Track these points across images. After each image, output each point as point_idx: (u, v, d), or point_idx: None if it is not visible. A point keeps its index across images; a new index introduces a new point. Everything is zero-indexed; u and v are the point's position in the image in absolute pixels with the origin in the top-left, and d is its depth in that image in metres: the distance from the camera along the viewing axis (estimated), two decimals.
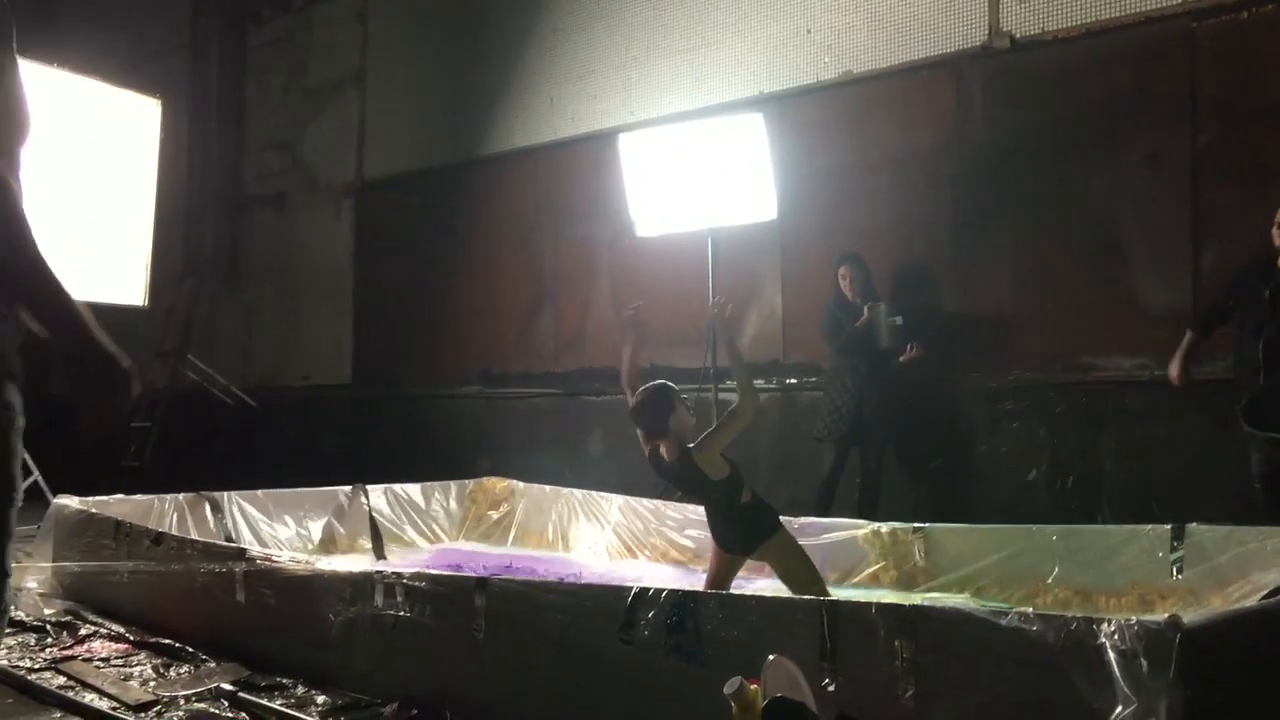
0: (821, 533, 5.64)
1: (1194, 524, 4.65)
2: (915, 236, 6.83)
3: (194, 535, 5.51)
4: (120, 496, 6.00)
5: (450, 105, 9.56)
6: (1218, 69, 5.82)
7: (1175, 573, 4.58)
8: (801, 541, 5.55)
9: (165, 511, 6.01)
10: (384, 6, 10.24)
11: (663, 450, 4.34)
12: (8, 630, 4.57)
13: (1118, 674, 2.27)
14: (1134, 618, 2.34)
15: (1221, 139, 5.79)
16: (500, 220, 9.13)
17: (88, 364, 1.82)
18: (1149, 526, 4.74)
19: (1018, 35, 6.45)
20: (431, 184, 9.63)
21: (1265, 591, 3.72)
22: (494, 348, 9.10)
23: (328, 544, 6.59)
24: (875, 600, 2.93)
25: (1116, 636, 2.30)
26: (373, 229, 10.20)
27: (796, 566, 4.30)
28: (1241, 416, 4.98)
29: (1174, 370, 5.31)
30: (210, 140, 11.47)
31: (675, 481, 4.57)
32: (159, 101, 8.41)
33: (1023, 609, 2.60)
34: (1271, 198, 5.07)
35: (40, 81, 7.12)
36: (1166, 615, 2.32)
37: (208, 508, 6.18)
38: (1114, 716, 2.25)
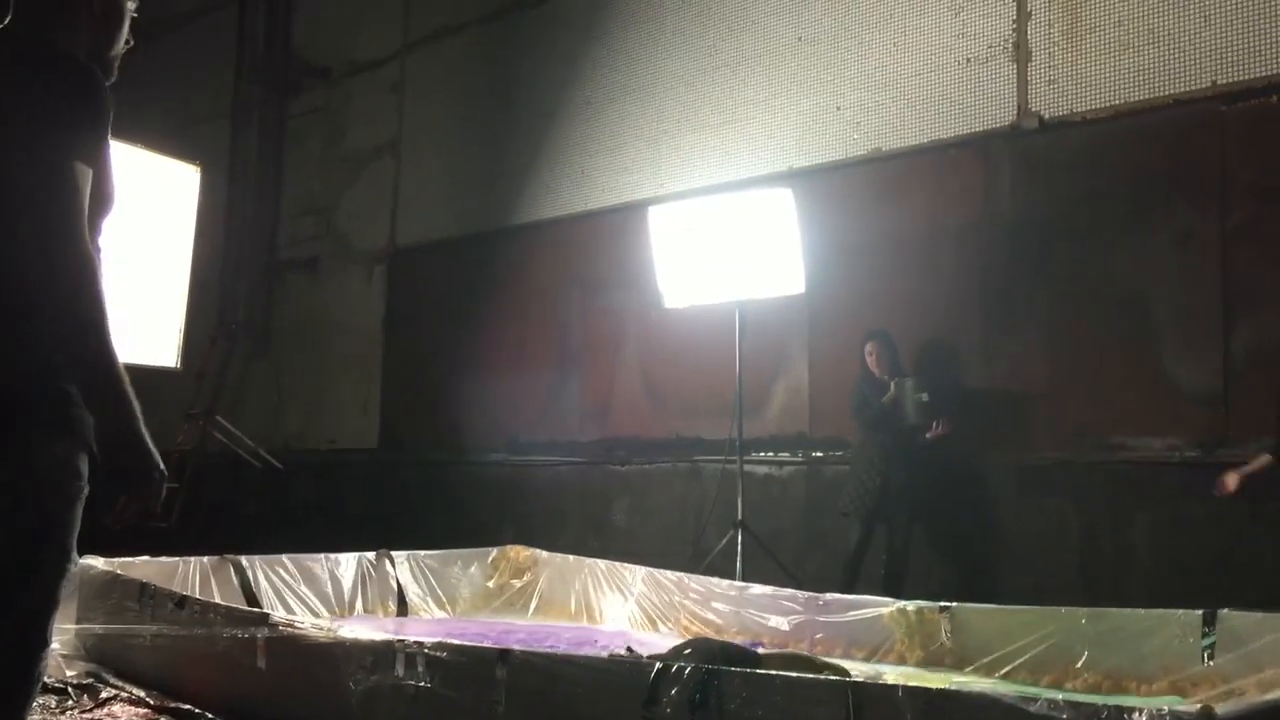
0: (846, 610, 5.57)
1: (1226, 610, 4.57)
2: (943, 313, 6.84)
3: (217, 598, 5.50)
4: (146, 558, 6.00)
5: (483, 174, 9.70)
6: (1247, 151, 5.84)
7: (1206, 659, 4.49)
8: (825, 619, 5.55)
9: (190, 574, 6.02)
10: (420, 77, 10.43)
11: None
12: None
13: None
14: (1166, 706, 2.31)
15: (1252, 220, 5.79)
16: (529, 289, 9.20)
17: (127, 459, 1.85)
18: (1180, 611, 4.65)
19: (1046, 116, 6.51)
20: (463, 251, 9.73)
21: None
22: (520, 415, 9.12)
23: (351, 609, 6.56)
24: (901, 682, 2.89)
25: None
26: (403, 295, 10.30)
27: None
28: None
29: (1231, 482, 5.19)
30: (247, 205, 11.66)
31: None
32: (198, 168, 8.58)
33: (1052, 696, 2.56)
34: None
35: None
36: (1199, 704, 2.29)
37: (231, 570, 6.18)
38: None
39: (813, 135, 7.56)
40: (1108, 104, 6.29)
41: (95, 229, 1.98)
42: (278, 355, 11.40)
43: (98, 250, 1.97)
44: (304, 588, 6.42)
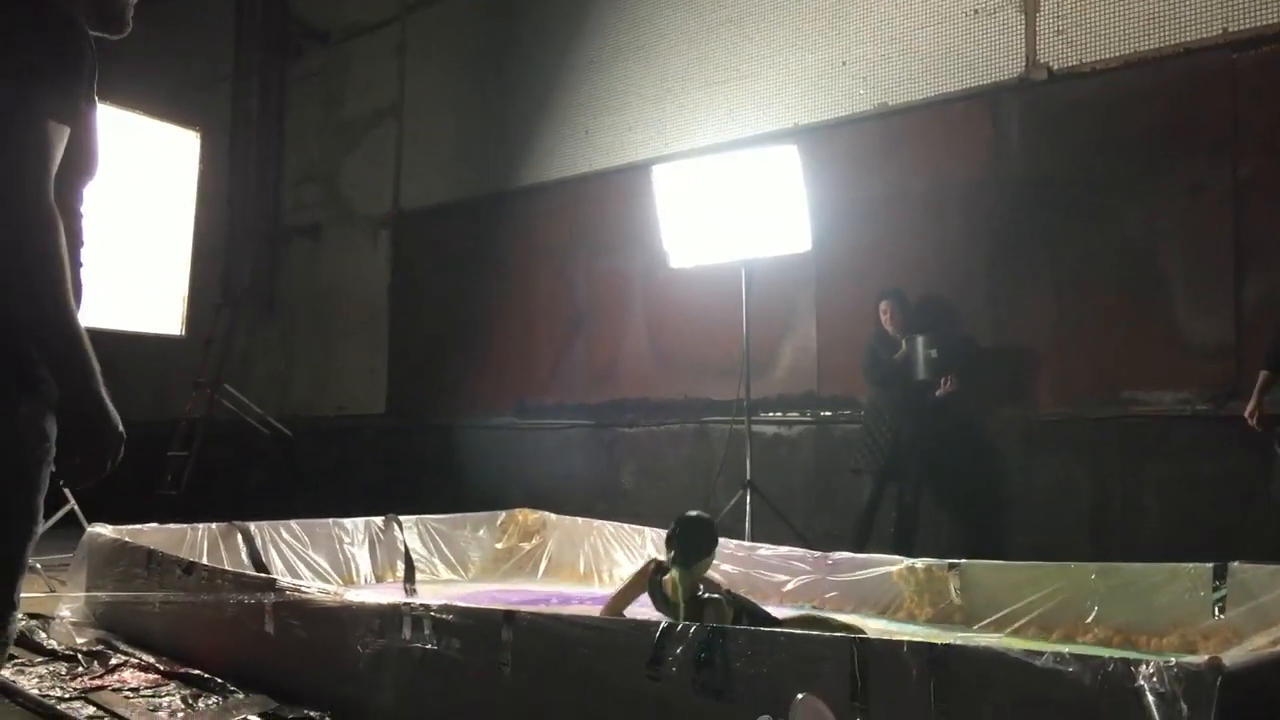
0: (856, 569, 5.57)
1: (1237, 563, 4.54)
2: (951, 268, 6.78)
3: (225, 565, 5.51)
4: (154, 526, 6.02)
5: (486, 137, 9.63)
6: (1259, 100, 5.75)
7: (1217, 612, 4.47)
8: (836, 578, 5.55)
9: (197, 541, 6.03)
10: (421, 39, 10.34)
11: (669, 578, 4.01)
12: (39, 659, 4.59)
13: (1156, 718, 2.20)
14: (1173, 659, 2.28)
15: (1264, 170, 5.71)
16: (535, 251, 9.16)
17: (85, 418, 1.81)
18: (1190, 565, 4.64)
19: (1055, 67, 6.41)
20: (467, 215, 9.68)
21: None
22: (527, 379, 9.10)
23: (359, 575, 6.58)
24: (907, 638, 2.87)
25: (1155, 679, 2.23)
26: (408, 260, 10.26)
27: None
28: None
29: (1250, 408, 5.21)
30: (249, 172, 11.61)
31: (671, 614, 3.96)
32: (198, 134, 8.51)
33: (1058, 649, 2.54)
34: None
35: None
36: (1207, 657, 2.26)
37: (239, 537, 6.19)
38: None
39: (818, 91, 7.48)
40: (1117, 54, 6.20)
41: (75, 192, 1.93)
42: (284, 322, 11.38)
43: (78, 215, 1.93)
44: (312, 553, 6.43)
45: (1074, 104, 6.37)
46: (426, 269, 10.05)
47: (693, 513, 4.14)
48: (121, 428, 1.83)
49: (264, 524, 6.39)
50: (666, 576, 4.02)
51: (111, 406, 1.81)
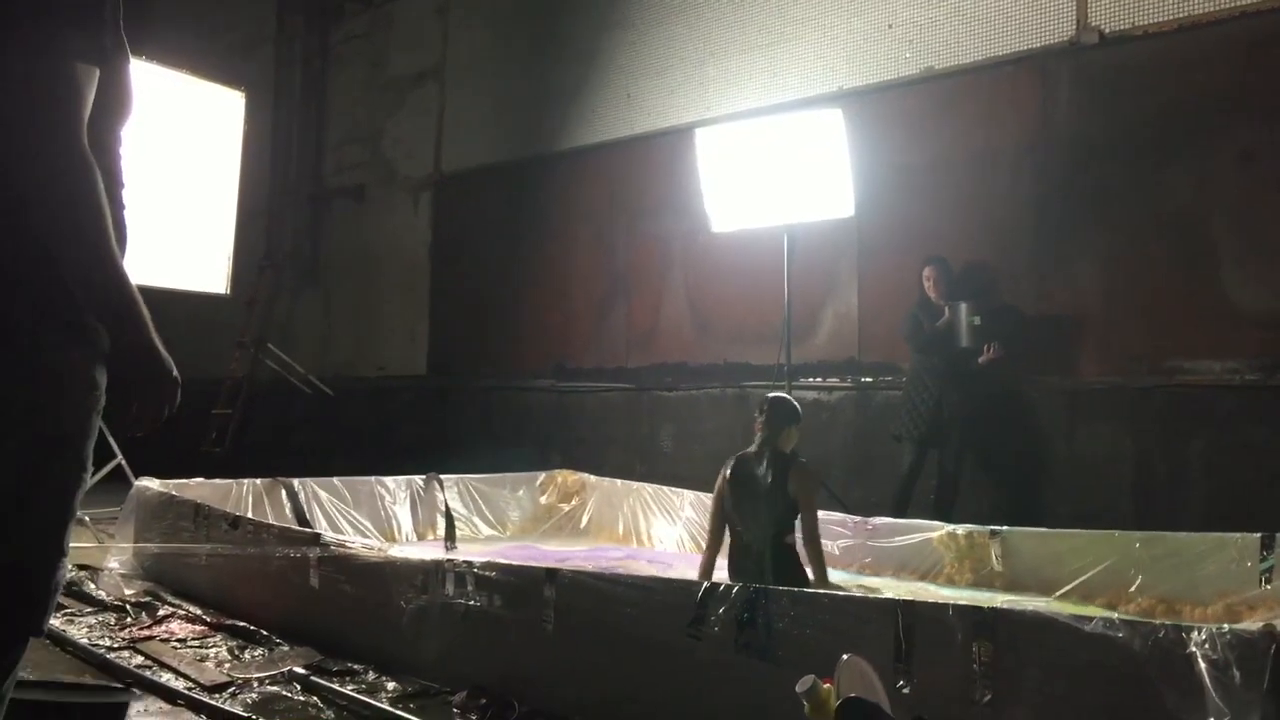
0: (895, 534, 5.56)
1: None
2: (996, 235, 6.70)
3: (270, 520, 5.58)
4: (200, 480, 6.10)
5: (528, 99, 9.59)
6: None
7: (1264, 582, 4.43)
8: (875, 543, 5.55)
9: (243, 495, 6.11)
10: (464, 1, 10.30)
11: (752, 450, 4.58)
12: (88, 610, 4.68)
13: (1209, 685, 2.19)
14: (1226, 626, 2.26)
15: None
16: (576, 215, 9.14)
17: (141, 365, 1.80)
18: (1237, 535, 4.59)
19: (1107, 30, 6.30)
20: (508, 177, 9.67)
21: None
22: (567, 342, 9.11)
23: (400, 532, 6.64)
24: (952, 601, 2.86)
25: (1208, 646, 2.22)
26: (449, 222, 10.27)
27: None
28: None
29: None
30: (292, 133, 11.66)
31: (762, 483, 4.46)
32: (243, 94, 8.54)
33: (1108, 614, 2.52)
34: None
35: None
36: (1262, 625, 2.24)
37: (284, 493, 6.26)
38: None
39: (863, 54, 7.38)
40: (1172, 16, 6.07)
41: (112, 134, 1.90)
42: (326, 283, 11.44)
43: (116, 156, 1.90)
44: (354, 510, 6.50)
45: (1125, 68, 6.25)
46: (467, 231, 10.07)
47: (778, 393, 4.87)
48: (176, 373, 1.83)
49: (307, 480, 6.46)
50: (751, 450, 4.60)
51: (165, 353, 1.81)
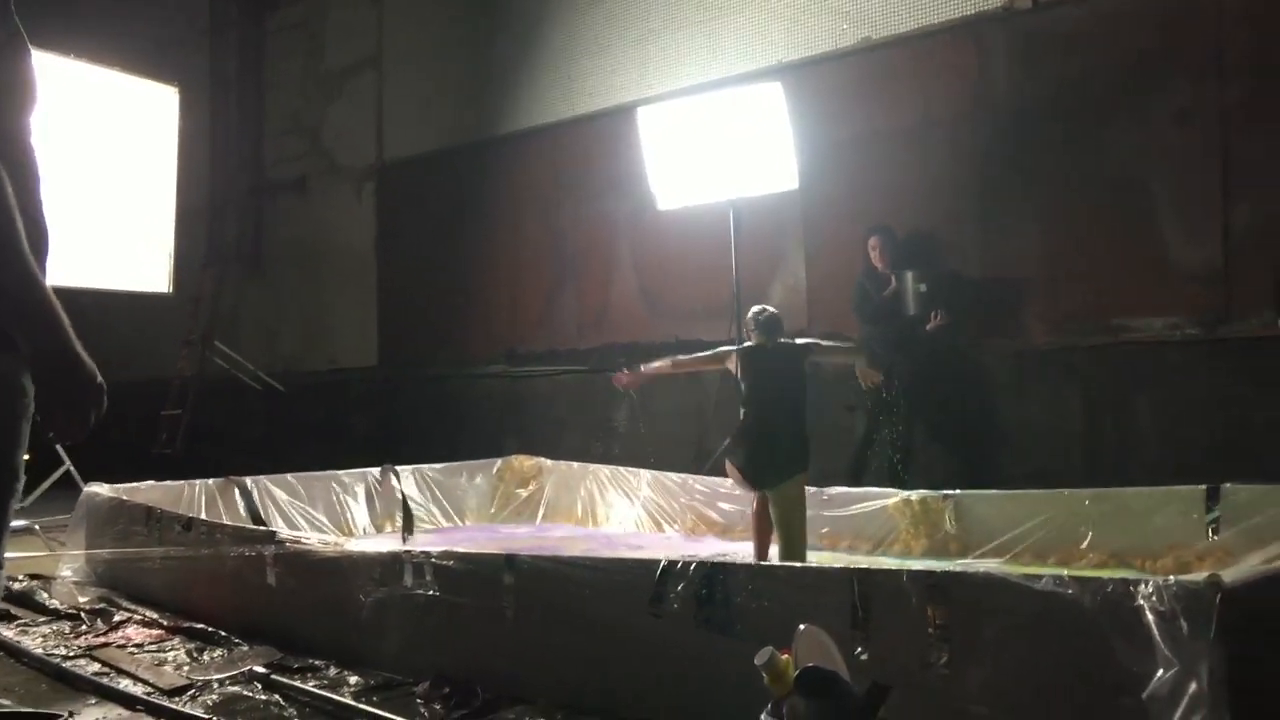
0: (852, 503, 5.61)
1: (1229, 484, 4.58)
2: (939, 202, 6.75)
3: (224, 520, 5.53)
4: (151, 483, 6.02)
5: (468, 84, 9.53)
6: (1245, 24, 5.70)
7: (1211, 534, 4.52)
8: (831, 512, 5.60)
9: (195, 497, 6.04)
10: None
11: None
12: (42, 619, 4.61)
13: (1157, 636, 2.23)
14: (1173, 578, 2.30)
15: (1251, 95, 5.67)
16: (521, 198, 9.10)
17: (63, 372, 1.73)
18: (1184, 488, 4.68)
19: None
20: (452, 164, 9.60)
21: None
22: (518, 326, 9.09)
23: (357, 526, 6.61)
24: (906, 568, 2.89)
25: (1155, 598, 2.26)
26: (394, 210, 10.19)
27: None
28: None
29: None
30: (230, 126, 11.49)
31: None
32: (177, 89, 8.41)
33: (1057, 572, 2.56)
34: None
35: (57, 72, 7.14)
36: (1206, 575, 2.28)
37: (237, 492, 6.20)
38: (1155, 679, 2.21)
39: (801, 27, 7.39)
40: None
41: (18, 125, 1.82)
42: (272, 277, 11.32)
43: (27, 148, 1.82)
44: (310, 506, 6.46)
45: (1059, 32, 6.31)
46: (413, 219, 9.99)
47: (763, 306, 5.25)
48: (100, 378, 1.76)
49: (261, 479, 6.40)
50: (752, 345, 5.07)
51: (86, 357, 1.74)
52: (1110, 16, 6.12)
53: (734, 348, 5.18)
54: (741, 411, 5.01)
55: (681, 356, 5.35)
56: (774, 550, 4.78)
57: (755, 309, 5.21)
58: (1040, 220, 6.37)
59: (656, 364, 5.32)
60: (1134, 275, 6.00)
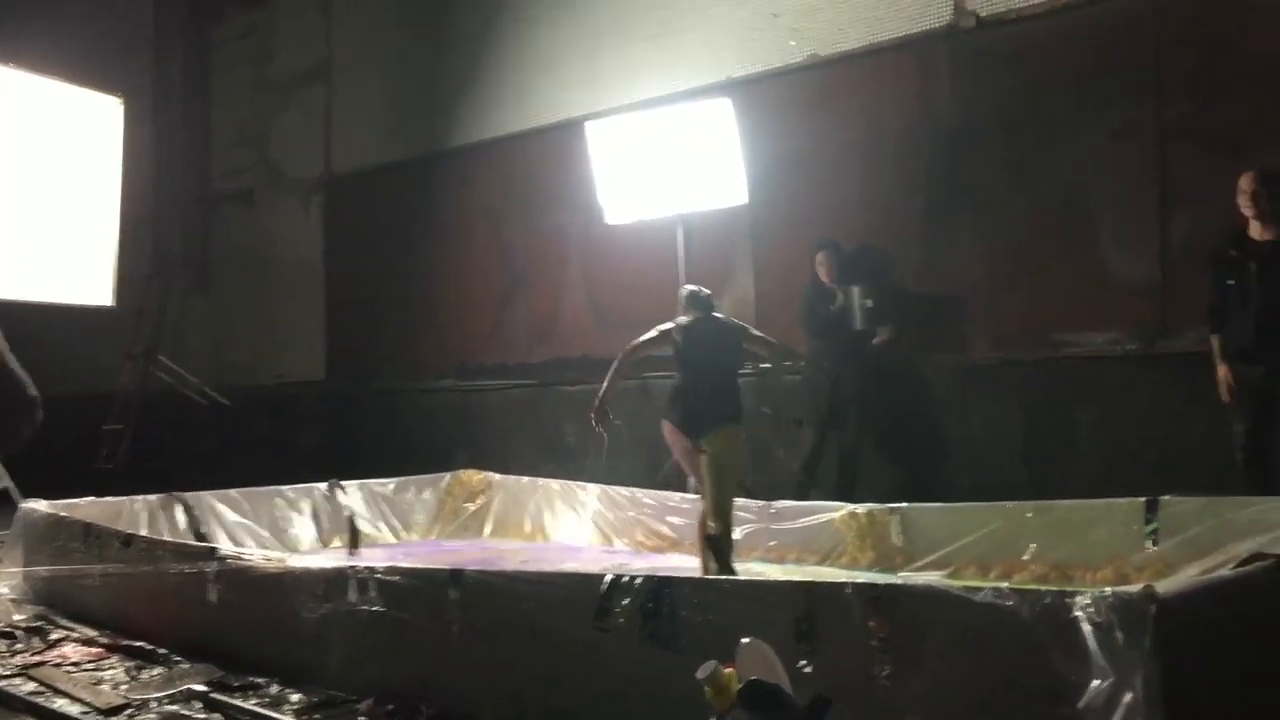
0: (798, 516, 5.64)
1: (1168, 496, 4.66)
2: (885, 217, 6.81)
3: (165, 536, 5.45)
4: (90, 499, 5.92)
5: (418, 97, 9.49)
6: (1184, 43, 5.81)
7: (1150, 545, 4.59)
8: (779, 526, 5.62)
9: (135, 513, 5.95)
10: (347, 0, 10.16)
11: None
12: None
13: (1093, 646, 2.25)
14: (1109, 589, 2.33)
15: (1187, 113, 5.79)
16: (470, 212, 9.07)
17: None
18: (1123, 500, 4.75)
19: (983, 14, 6.44)
20: (400, 177, 9.56)
21: (1239, 560, 3.72)
22: (468, 340, 9.05)
23: (303, 542, 6.53)
24: (850, 580, 2.91)
25: (1092, 609, 2.28)
26: (343, 223, 10.12)
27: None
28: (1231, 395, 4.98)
29: (1222, 374, 5.05)
30: (175, 137, 11.35)
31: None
32: (121, 100, 8.30)
33: (997, 585, 2.59)
34: (1239, 169, 5.08)
35: None
36: (1141, 586, 2.31)
37: (179, 508, 6.12)
38: (1091, 689, 2.23)
39: (750, 44, 7.45)
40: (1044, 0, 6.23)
41: None
42: (218, 290, 11.19)
43: None
44: (254, 522, 6.38)
45: (1002, 51, 6.40)
46: (362, 232, 9.93)
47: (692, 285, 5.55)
48: (33, 391, 1.75)
49: (204, 494, 6.32)
50: (687, 321, 5.32)
51: (18, 369, 1.73)
52: (1051, 35, 6.22)
53: (672, 324, 5.33)
54: (676, 377, 5.27)
55: (627, 347, 5.38)
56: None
57: (689, 289, 5.48)
58: (983, 236, 6.45)
59: (610, 375, 5.32)
60: (1075, 290, 6.09)
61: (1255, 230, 4.99)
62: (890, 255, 6.76)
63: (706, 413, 5.08)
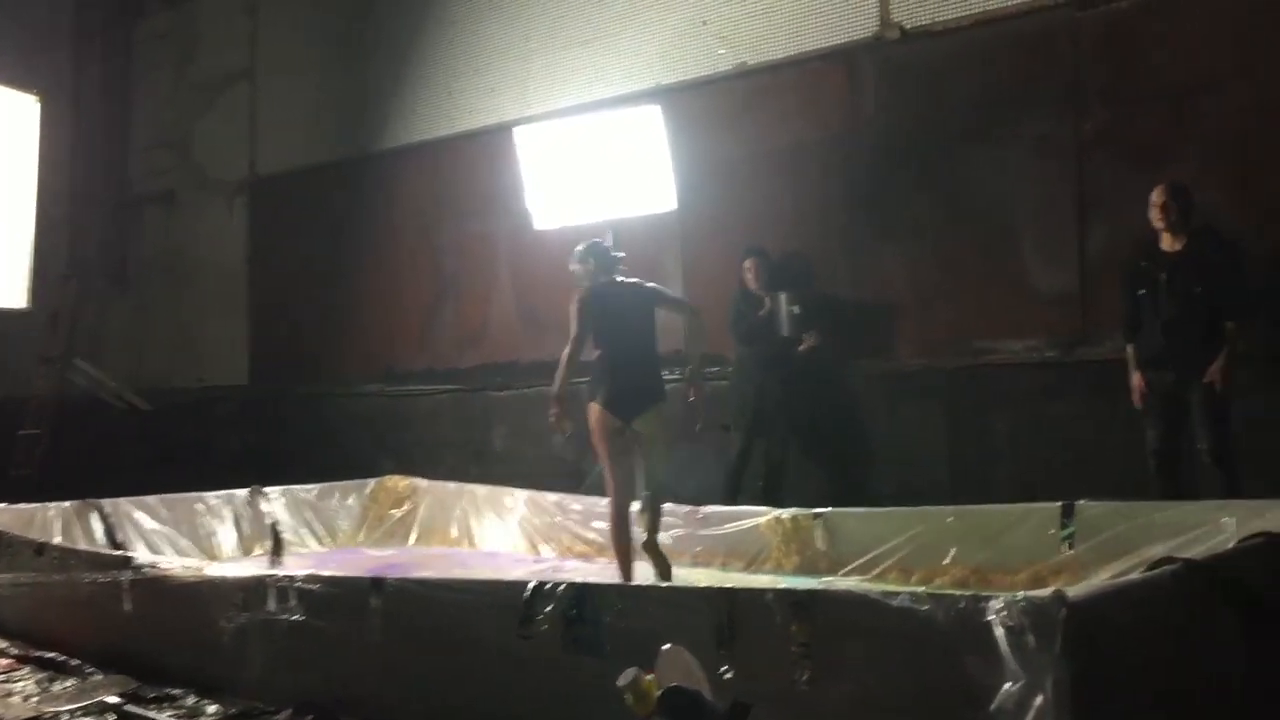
0: (724, 521, 5.67)
1: (1083, 501, 4.76)
2: (812, 225, 6.88)
3: (80, 544, 5.33)
4: (2, 506, 5.77)
5: (346, 98, 9.39)
6: (1102, 56, 5.94)
7: (1067, 549, 4.69)
8: (705, 531, 5.65)
9: (49, 520, 5.80)
10: None
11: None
12: None
13: (1005, 650, 2.29)
14: (1021, 594, 2.38)
15: (1106, 124, 5.92)
16: (399, 215, 9.00)
17: None
18: (1040, 505, 4.85)
19: (908, 26, 6.52)
20: (327, 179, 9.45)
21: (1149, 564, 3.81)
22: (395, 345, 8.97)
23: (224, 549, 6.42)
24: (772, 586, 2.93)
25: (1004, 613, 2.32)
26: (267, 226, 9.97)
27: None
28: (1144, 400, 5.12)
29: (1135, 381, 5.17)
30: (95, 137, 11.08)
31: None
32: (38, 98, 8.11)
33: (915, 590, 2.63)
34: (1154, 180, 5.21)
35: None
36: (1051, 590, 2.36)
37: (95, 516, 5.98)
38: (1002, 692, 2.27)
39: (680, 51, 7.47)
40: (968, 12, 6.32)
41: None
42: (139, 292, 10.96)
43: None
44: (174, 530, 6.26)
45: (926, 62, 6.49)
46: (287, 235, 9.79)
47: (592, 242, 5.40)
48: None
49: (121, 501, 6.19)
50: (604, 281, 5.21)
51: None
52: (973, 48, 6.32)
53: (583, 292, 5.15)
54: (596, 353, 5.10)
55: (569, 345, 5.18)
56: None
57: (585, 246, 5.32)
58: (908, 244, 6.54)
59: (559, 374, 5.17)
60: (996, 298, 6.20)
61: (1165, 241, 5.12)
62: (818, 262, 6.82)
63: (640, 394, 5.02)
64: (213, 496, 6.56)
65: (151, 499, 6.31)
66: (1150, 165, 5.55)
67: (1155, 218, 5.10)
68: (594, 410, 5.07)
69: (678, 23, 7.47)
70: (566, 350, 5.12)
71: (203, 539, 6.37)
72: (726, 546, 5.58)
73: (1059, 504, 4.78)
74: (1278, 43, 5.43)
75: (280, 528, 6.59)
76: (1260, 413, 5.14)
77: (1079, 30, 6.00)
